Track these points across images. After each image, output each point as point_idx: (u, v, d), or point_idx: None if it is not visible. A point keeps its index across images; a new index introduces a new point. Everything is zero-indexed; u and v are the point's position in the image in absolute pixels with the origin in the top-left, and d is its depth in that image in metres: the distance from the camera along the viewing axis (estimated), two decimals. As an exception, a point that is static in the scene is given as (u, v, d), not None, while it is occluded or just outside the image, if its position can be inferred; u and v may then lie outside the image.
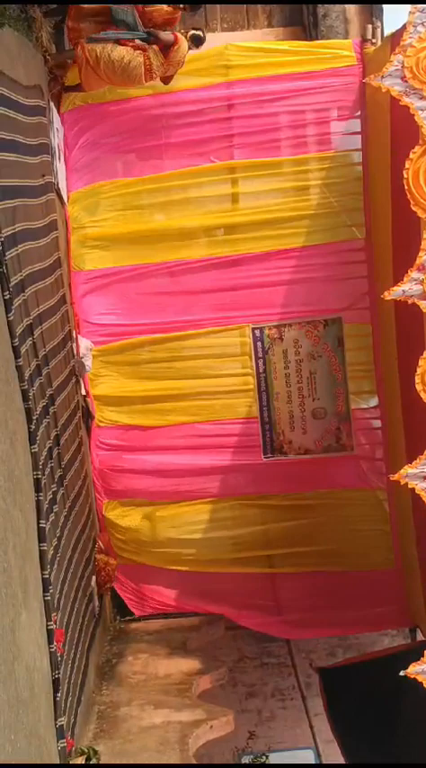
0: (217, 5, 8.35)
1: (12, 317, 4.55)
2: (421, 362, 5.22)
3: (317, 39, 8.01)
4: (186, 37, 6.54)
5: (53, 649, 4.82)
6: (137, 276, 7.39)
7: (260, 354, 7.44)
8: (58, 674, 4.86)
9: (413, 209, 5.32)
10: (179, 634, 7.39)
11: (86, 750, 5.20)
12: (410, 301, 5.32)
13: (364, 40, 7.07)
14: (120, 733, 5.99)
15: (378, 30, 7.13)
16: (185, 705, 6.34)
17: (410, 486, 5.27)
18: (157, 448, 7.51)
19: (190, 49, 6.60)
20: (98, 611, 6.81)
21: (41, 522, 4.84)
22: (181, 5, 6.43)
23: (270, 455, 7.47)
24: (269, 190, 7.36)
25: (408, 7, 5.31)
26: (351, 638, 8.06)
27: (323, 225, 7.30)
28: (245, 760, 7.45)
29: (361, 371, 7.47)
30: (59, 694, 4.86)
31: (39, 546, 4.80)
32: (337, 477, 7.52)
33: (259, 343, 7.43)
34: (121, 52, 6.30)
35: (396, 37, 5.76)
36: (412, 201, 5.30)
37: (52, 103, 6.56)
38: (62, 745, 4.85)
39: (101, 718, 6.18)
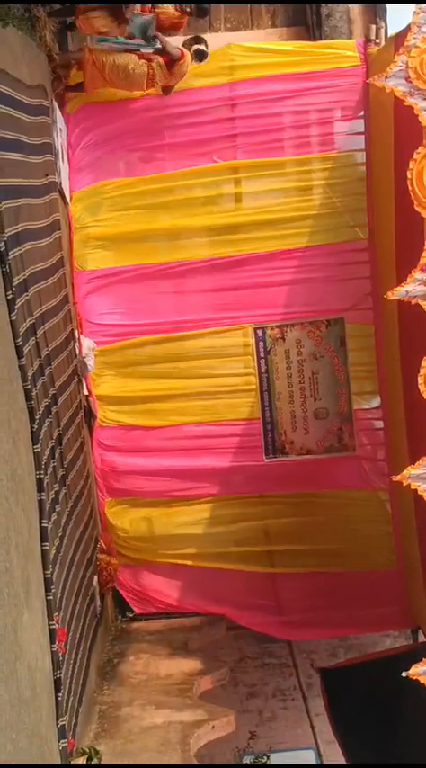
0: (221, 5, 8.34)
1: (15, 317, 4.55)
2: (424, 363, 5.22)
3: (321, 39, 8.01)
4: (190, 51, 6.62)
5: (55, 649, 4.82)
6: (140, 276, 7.39)
7: (262, 354, 7.44)
8: (60, 673, 4.86)
9: (417, 209, 5.32)
10: (180, 634, 7.39)
11: (88, 750, 5.20)
12: (413, 302, 5.32)
13: (368, 41, 7.07)
14: (122, 733, 5.99)
15: (382, 30, 7.13)
16: (186, 705, 6.34)
17: (412, 488, 5.27)
18: (159, 448, 7.51)
19: (192, 61, 6.72)
20: (100, 611, 6.81)
21: (44, 521, 4.84)
22: (188, 10, 6.46)
23: (271, 455, 7.47)
24: (272, 190, 7.36)
25: (412, 8, 5.31)
26: (353, 638, 8.05)
27: (325, 225, 7.30)
28: (246, 760, 7.45)
29: (364, 372, 7.47)
30: (61, 694, 4.85)
31: (42, 545, 4.79)
32: (339, 477, 7.51)
33: (261, 344, 7.42)
34: (127, 59, 6.47)
35: (400, 37, 5.76)
36: (415, 202, 5.30)
37: (55, 103, 6.56)
38: (63, 744, 4.85)
39: (102, 717, 6.18)
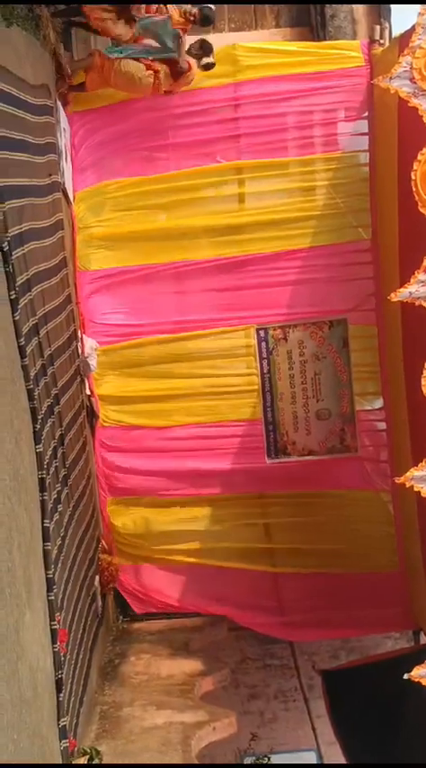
0: (225, 6, 8.35)
1: (18, 317, 4.54)
2: (427, 365, 5.21)
3: (325, 39, 8.02)
4: (199, 64, 6.65)
5: (56, 649, 4.81)
6: (143, 276, 7.38)
7: (264, 355, 7.43)
8: (61, 674, 4.85)
9: (421, 210, 5.31)
10: (181, 635, 7.39)
11: (89, 750, 5.19)
12: (417, 303, 5.31)
13: (372, 41, 7.06)
14: (123, 733, 5.98)
15: (386, 31, 7.11)
16: (188, 706, 6.33)
17: (415, 489, 5.26)
18: (161, 448, 7.50)
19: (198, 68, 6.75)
20: (101, 611, 6.81)
21: (46, 521, 4.83)
22: (192, 18, 6.46)
23: (273, 456, 7.46)
24: (275, 190, 7.35)
25: (417, 8, 5.31)
26: (354, 640, 8.04)
27: (329, 226, 7.29)
28: (248, 761, 7.44)
29: (366, 373, 7.46)
30: (62, 694, 4.85)
31: (44, 545, 4.79)
32: (341, 478, 7.51)
33: (263, 344, 7.42)
34: (133, 68, 6.49)
35: (405, 38, 5.75)
36: (419, 203, 5.29)
37: (59, 103, 6.56)
38: (65, 745, 4.84)
39: (103, 718, 6.17)
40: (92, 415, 7.25)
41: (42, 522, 4.80)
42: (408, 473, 5.27)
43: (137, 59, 6.50)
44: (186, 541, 7.58)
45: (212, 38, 7.10)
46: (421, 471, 5.23)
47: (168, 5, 6.39)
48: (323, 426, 7.46)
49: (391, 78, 5.31)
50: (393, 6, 7.89)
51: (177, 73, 6.61)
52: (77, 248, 7.09)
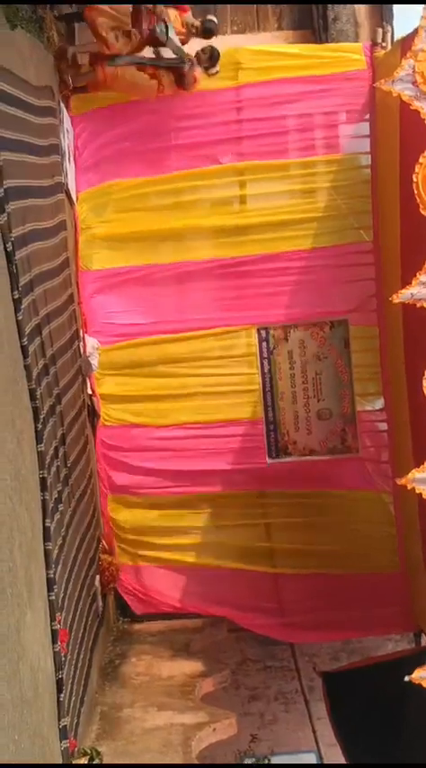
0: (227, 6, 8.36)
1: (21, 317, 4.55)
2: (428, 366, 5.21)
3: (327, 42, 8.00)
4: (207, 74, 6.67)
5: (57, 649, 4.82)
6: (145, 276, 7.40)
7: (265, 355, 7.44)
8: (62, 674, 4.86)
9: (422, 212, 5.33)
10: (182, 636, 7.39)
11: (89, 751, 5.20)
12: (418, 305, 5.32)
13: (374, 44, 7.07)
14: (123, 734, 5.98)
15: (389, 34, 7.12)
16: (188, 707, 6.33)
17: (417, 491, 5.26)
18: (162, 447, 7.50)
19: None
20: (101, 612, 6.81)
21: (47, 521, 4.83)
22: (193, 30, 6.47)
23: (274, 456, 7.47)
24: (277, 192, 7.37)
25: (419, 11, 5.32)
26: (355, 642, 8.03)
27: (330, 227, 7.30)
28: (248, 762, 7.43)
29: (367, 373, 7.47)
30: (63, 695, 4.85)
31: (45, 545, 4.79)
32: (342, 478, 7.51)
33: (264, 344, 7.43)
34: (137, 77, 6.52)
35: (407, 41, 5.77)
36: (421, 205, 5.31)
37: (62, 104, 6.58)
38: (65, 745, 4.85)
39: (103, 719, 6.18)
40: (93, 414, 7.26)
41: (43, 522, 4.81)
42: (409, 475, 5.27)
43: (140, 68, 6.51)
44: (186, 540, 7.59)
45: (214, 40, 7.11)
46: (422, 473, 5.23)
47: (171, 15, 6.38)
48: (324, 426, 7.47)
49: (393, 81, 5.33)
50: (395, 9, 7.90)
51: (182, 83, 6.63)
52: (80, 248, 7.11)
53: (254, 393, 7.46)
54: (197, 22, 6.51)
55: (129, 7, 6.20)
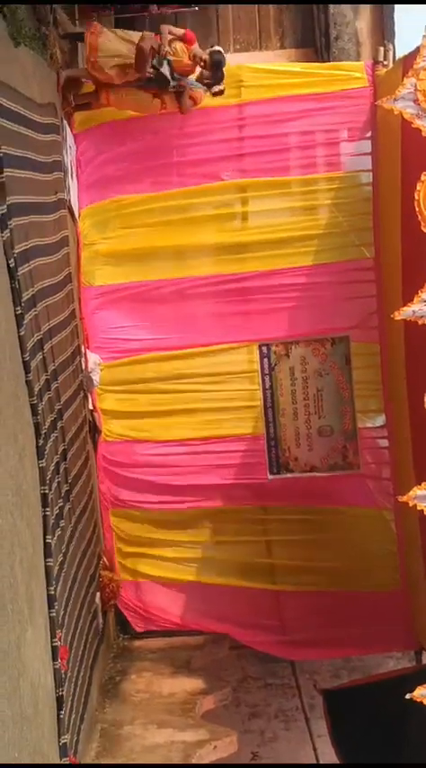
0: (230, 25, 8.44)
1: (23, 332, 4.56)
2: (430, 383, 5.22)
3: (329, 60, 8.09)
4: (210, 92, 6.71)
5: (57, 666, 4.79)
6: (146, 292, 7.42)
7: (266, 371, 7.45)
8: (62, 691, 4.83)
9: (424, 230, 5.35)
10: (183, 653, 7.35)
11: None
12: (420, 322, 5.33)
13: (376, 62, 7.12)
14: (123, 752, 5.94)
15: (390, 52, 7.17)
16: (188, 725, 6.29)
17: (419, 508, 5.25)
18: (163, 463, 7.50)
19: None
20: (102, 629, 6.78)
21: (48, 537, 4.82)
22: (201, 63, 6.51)
23: (275, 472, 7.46)
24: (278, 209, 7.39)
25: (421, 30, 5.37)
26: (356, 660, 7.99)
27: (332, 244, 7.33)
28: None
29: (368, 390, 7.47)
30: (63, 712, 4.82)
31: (45, 561, 4.78)
32: (343, 494, 7.49)
33: (266, 360, 7.44)
34: (140, 97, 6.59)
35: (409, 59, 5.81)
36: (422, 223, 5.33)
37: (65, 121, 6.63)
38: (65, 762, 4.81)
39: (103, 736, 6.13)
40: (94, 430, 7.26)
41: (44, 538, 4.80)
42: (411, 492, 5.26)
43: (143, 89, 6.58)
44: (187, 554, 7.58)
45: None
46: (423, 490, 5.23)
47: (177, 48, 6.43)
48: (326, 443, 7.47)
49: (395, 99, 5.37)
50: (397, 28, 7.97)
51: (181, 104, 6.70)
52: (82, 264, 7.14)
53: (256, 409, 7.47)
54: (205, 55, 6.50)
55: (134, 44, 6.29)
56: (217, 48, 6.64)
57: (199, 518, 7.61)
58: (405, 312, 5.34)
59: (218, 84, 6.66)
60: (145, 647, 7.47)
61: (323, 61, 8.12)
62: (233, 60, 7.58)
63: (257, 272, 7.36)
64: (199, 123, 7.17)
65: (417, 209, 5.32)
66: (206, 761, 6.01)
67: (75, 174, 6.93)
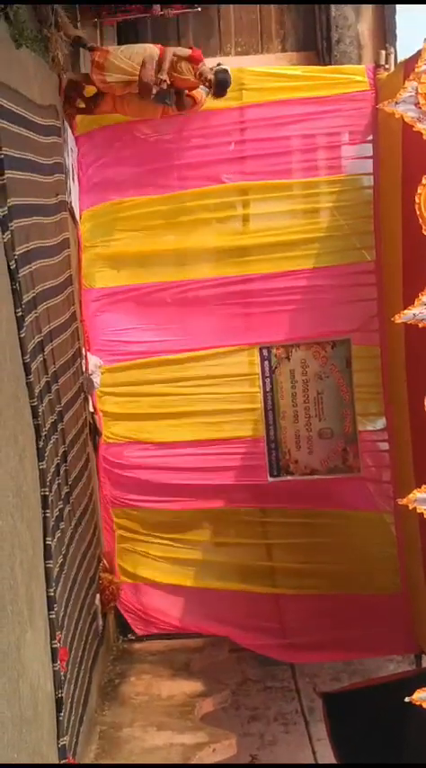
0: (232, 28, 8.46)
1: (24, 334, 4.56)
2: (430, 386, 5.22)
3: (331, 64, 8.09)
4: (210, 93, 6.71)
5: (57, 668, 4.79)
6: (147, 295, 7.43)
7: (267, 374, 7.46)
8: (62, 693, 4.82)
9: (425, 233, 5.35)
10: (182, 655, 7.35)
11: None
12: (420, 325, 5.34)
13: (377, 66, 7.14)
14: (122, 754, 5.93)
15: (392, 56, 7.20)
16: (188, 727, 6.28)
17: (418, 511, 5.25)
18: (163, 465, 7.50)
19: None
20: (101, 631, 6.78)
21: (48, 539, 4.82)
22: (206, 82, 6.52)
23: (275, 474, 7.46)
24: (280, 212, 7.41)
25: (422, 33, 5.39)
26: (356, 663, 7.98)
27: (333, 247, 7.34)
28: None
29: (369, 393, 7.47)
30: (62, 714, 4.82)
31: (45, 563, 4.78)
32: (343, 497, 7.50)
33: (266, 363, 7.45)
34: (142, 105, 6.59)
35: (410, 63, 5.83)
36: (423, 226, 5.34)
37: (66, 123, 6.64)
38: (64, 764, 4.81)
39: (103, 738, 6.13)
40: (95, 432, 7.26)
41: (44, 540, 4.79)
42: (411, 495, 5.27)
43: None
44: (187, 556, 7.58)
45: (219, 60, 7.19)
46: (424, 493, 5.23)
47: (183, 68, 6.44)
48: (326, 446, 7.47)
49: (396, 103, 5.38)
50: (398, 31, 7.99)
51: (181, 106, 6.72)
52: (83, 266, 7.15)
53: (256, 412, 7.47)
54: (210, 75, 6.46)
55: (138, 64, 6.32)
56: (223, 67, 6.58)
57: (198, 520, 7.62)
58: (406, 315, 5.35)
59: (223, 92, 6.68)
60: (144, 650, 7.47)
61: (325, 64, 8.13)
62: (234, 63, 7.61)
63: (258, 274, 7.37)
64: (200, 126, 7.19)
65: (418, 213, 5.34)
66: (205, 763, 6.00)
67: (76, 177, 6.94)
